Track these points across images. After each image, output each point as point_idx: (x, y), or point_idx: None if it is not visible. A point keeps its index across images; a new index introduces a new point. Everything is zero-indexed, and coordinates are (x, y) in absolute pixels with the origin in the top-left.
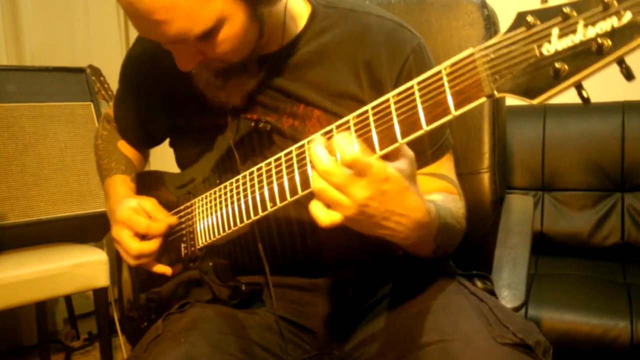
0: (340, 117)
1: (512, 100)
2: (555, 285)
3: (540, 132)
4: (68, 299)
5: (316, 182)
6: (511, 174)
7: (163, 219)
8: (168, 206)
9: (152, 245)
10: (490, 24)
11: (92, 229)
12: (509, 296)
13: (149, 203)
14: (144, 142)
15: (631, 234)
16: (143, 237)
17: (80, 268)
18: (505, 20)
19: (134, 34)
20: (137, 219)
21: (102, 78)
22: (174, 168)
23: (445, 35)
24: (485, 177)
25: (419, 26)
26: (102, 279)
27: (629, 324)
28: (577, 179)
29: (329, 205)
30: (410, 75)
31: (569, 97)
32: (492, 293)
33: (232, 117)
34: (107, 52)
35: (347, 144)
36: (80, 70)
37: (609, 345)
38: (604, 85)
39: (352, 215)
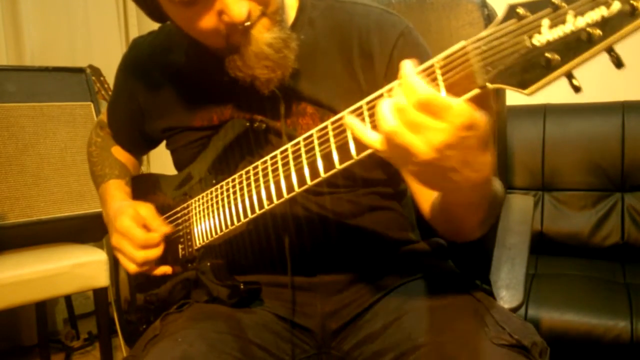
0: (335, 113)
1: (512, 100)
2: (555, 285)
3: (540, 132)
4: (68, 299)
5: (385, 123)
6: (511, 174)
7: (158, 229)
8: (165, 208)
9: (156, 252)
10: (490, 23)
11: (92, 229)
12: (507, 296)
13: (145, 209)
14: (139, 146)
15: (631, 234)
16: None
17: (80, 268)
18: None
19: (134, 34)
20: (135, 233)
21: (102, 78)
22: (173, 170)
23: (445, 34)
24: None
25: (419, 26)
26: (102, 279)
27: (629, 324)
28: (577, 179)
29: (397, 153)
30: (402, 58)
31: (569, 97)
32: (490, 293)
33: (227, 117)
34: (107, 52)
35: (418, 83)
36: (80, 70)
37: (609, 345)
38: (604, 85)
39: (424, 163)
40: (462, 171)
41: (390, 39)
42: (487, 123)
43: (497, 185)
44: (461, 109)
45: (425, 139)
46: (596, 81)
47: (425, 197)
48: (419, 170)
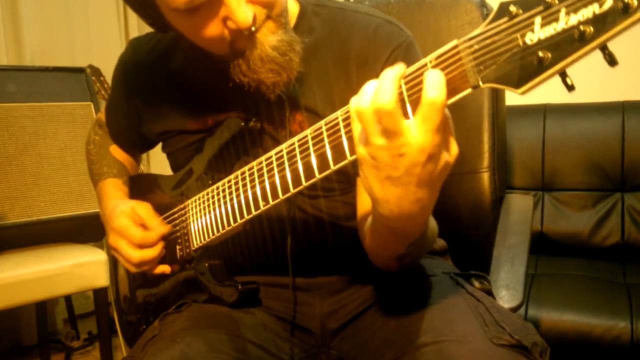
0: None
1: (512, 100)
2: (555, 285)
3: (540, 132)
4: (68, 299)
5: (361, 100)
6: (511, 174)
7: (156, 228)
8: (162, 208)
9: (154, 252)
10: None
11: (92, 229)
12: (506, 296)
13: (142, 208)
14: (136, 147)
15: (631, 234)
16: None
17: (80, 268)
18: None
19: (134, 34)
20: (132, 231)
21: (102, 78)
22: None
23: (444, 34)
24: (485, 177)
25: (417, 25)
26: (102, 279)
27: (629, 324)
28: (577, 179)
29: (357, 128)
30: None
31: (569, 97)
32: (490, 293)
33: (222, 120)
34: (107, 52)
35: (439, 82)
36: (80, 70)
37: (609, 345)
38: (604, 85)
39: (372, 155)
40: (397, 189)
41: (386, 51)
42: (445, 168)
43: (430, 229)
44: (436, 138)
45: (388, 140)
46: (596, 81)
47: (366, 203)
48: (365, 161)
